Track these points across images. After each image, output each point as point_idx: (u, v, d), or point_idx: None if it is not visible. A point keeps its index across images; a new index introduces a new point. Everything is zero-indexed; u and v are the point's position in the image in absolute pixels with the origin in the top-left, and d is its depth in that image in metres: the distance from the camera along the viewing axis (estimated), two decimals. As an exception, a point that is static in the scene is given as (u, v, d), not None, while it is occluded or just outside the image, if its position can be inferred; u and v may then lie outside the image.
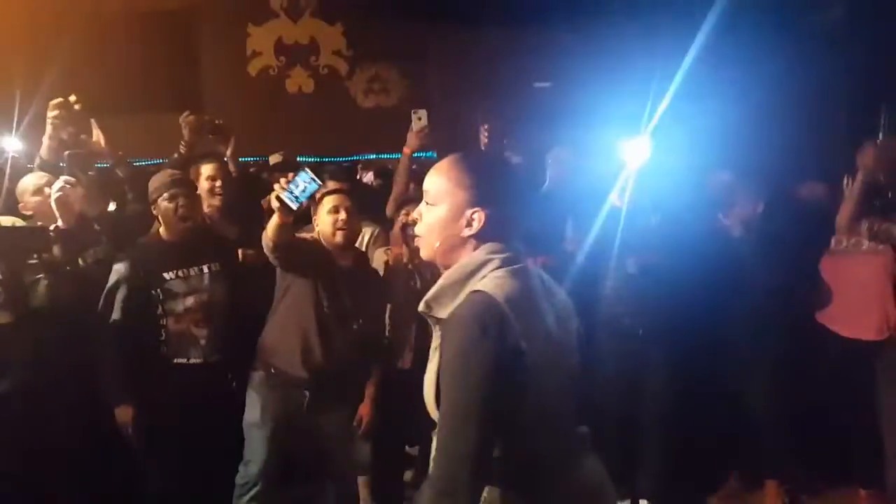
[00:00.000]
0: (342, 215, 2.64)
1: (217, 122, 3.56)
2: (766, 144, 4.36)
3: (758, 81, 5.12)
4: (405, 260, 2.97)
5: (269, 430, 2.61)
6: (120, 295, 2.66)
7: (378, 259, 3.04)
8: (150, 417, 2.67)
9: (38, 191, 2.86)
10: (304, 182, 2.34)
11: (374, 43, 6.35)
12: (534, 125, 3.98)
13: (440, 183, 1.47)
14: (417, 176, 3.16)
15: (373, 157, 6.28)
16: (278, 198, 2.34)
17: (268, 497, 2.66)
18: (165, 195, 2.71)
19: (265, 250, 2.51)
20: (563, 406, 1.46)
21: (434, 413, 1.39)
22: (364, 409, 2.77)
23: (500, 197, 1.45)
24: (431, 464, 1.32)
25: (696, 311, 2.88)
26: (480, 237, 1.43)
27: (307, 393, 2.61)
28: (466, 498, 1.28)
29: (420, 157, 3.45)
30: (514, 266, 1.41)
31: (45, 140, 2.78)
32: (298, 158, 5.07)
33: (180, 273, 2.70)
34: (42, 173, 2.89)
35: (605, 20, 5.57)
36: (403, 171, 3.29)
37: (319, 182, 2.39)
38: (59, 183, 2.46)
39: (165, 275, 2.68)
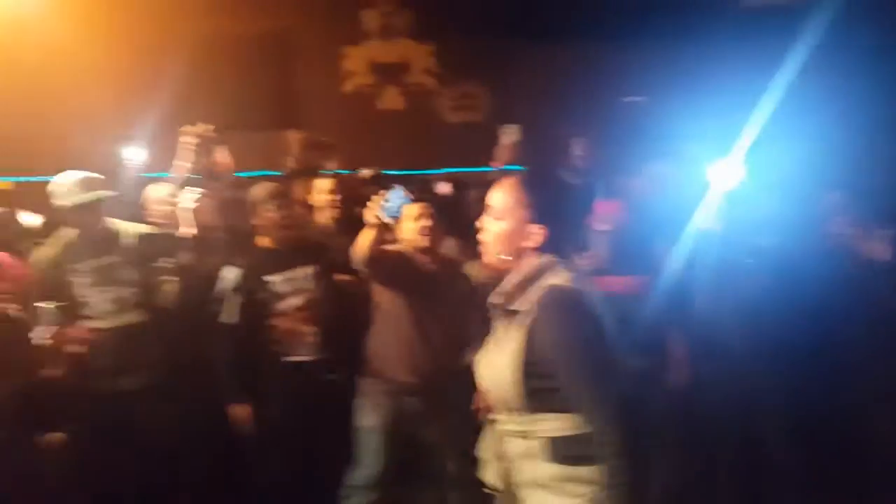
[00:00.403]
0: (425, 221, 2.82)
1: (323, 139, 3.81)
2: (880, 161, 4.16)
3: (869, 92, 4.90)
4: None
5: (378, 435, 2.73)
6: (231, 299, 2.90)
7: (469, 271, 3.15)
8: (263, 413, 2.87)
9: (163, 201, 3.15)
10: (398, 198, 2.52)
11: (463, 61, 6.50)
12: (625, 140, 3.98)
13: (504, 200, 1.67)
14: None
15: (459, 170, 6.38)
16: (375, 214, 2.52)
17: (376, 499, 2.79)
18: (270, 206, 2.94)
19: (358, 263, 2.68)
20: None
21: (505, 396, 1.59)
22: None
23: (555, 214, 1.64)
24: (595, 433, 1.49)
25: (810, 342, 2.75)
26: (538, 249, 1.63)
27: (414, 398, 2.72)
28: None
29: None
30: (574, 273, 1.62)
31: (178, 161, 3.04)
32: (387, 172, 5.25)
33: (284, 275, 2.92)
34: (166, 184, 3.18)
35: (699, 32, 5.51)
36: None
37: (411, 197, 2.55)
38: (189, 195, 2.69)
39: (270, 277, 2.91)
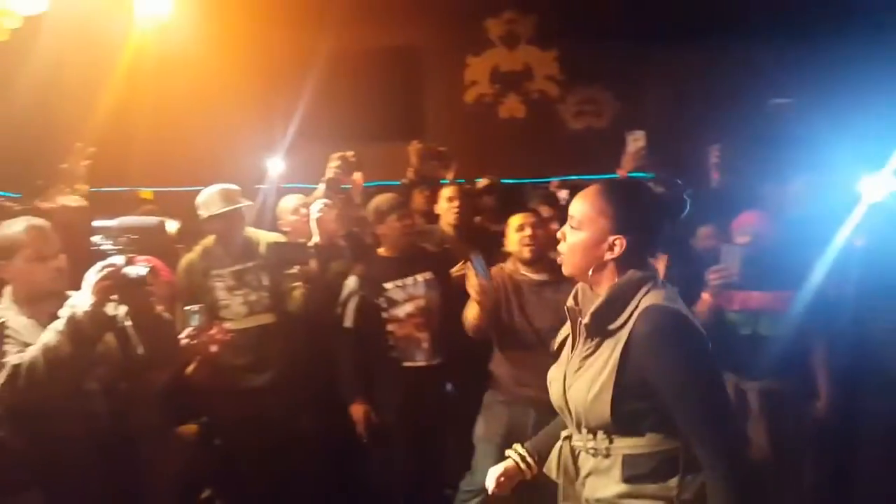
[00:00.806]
0: (527, 232, 2.82)
1: (441, 149, 3.88)
2: None
3: None
4: None
5: (495, 445, 2.74)
6: (351, 305, 3.02)
7: None
8: (379, 415, 2.96)
9: (296, 211, 3.34)
10: (480, 265, 2.58)
11: (587, 66, 6.38)
12: (769, 147, 3.72)
13: (584, 210, 1.61)
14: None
15: (582, 177, 6.27)
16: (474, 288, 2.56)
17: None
18: (394, 216, 3.03)
19: (468, 331, 2.72)
20: None
21: (591, 416, 1.55)
22: None
23: (638, 225, 1.57)
24: (714, 466, 1.45)
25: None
26: (620, 261, 1.57)
27: (533, 412, 2.70)
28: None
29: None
30: (667, 288, 1.56)
31: (323, 181, 3.24)
32: (508, 181, 5.23)
33: (398, 283, 3.01)
34: (299, 195, 3.37)
35: (849, 30, 5.07)
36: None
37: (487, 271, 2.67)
38: (318, 205, 2.83)
39: (386, 285, 3.00)
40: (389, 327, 3.00)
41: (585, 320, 1.58)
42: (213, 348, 2.65)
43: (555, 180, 6.28)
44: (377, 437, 3.00)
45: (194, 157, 5.71)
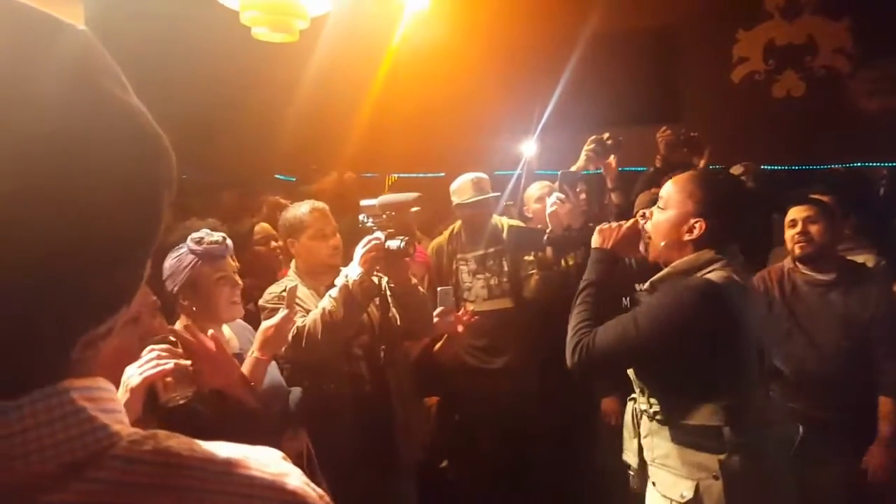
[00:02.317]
0: (798, 228, 2.64)
1: (693, 134, 3.63)
2: None
3: None
4: None
5: None
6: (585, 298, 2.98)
7: None
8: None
9: (540, 199, 3.38)
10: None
11: (886, 37, 5.44)
12: None
13: (673, 191, 1.72)
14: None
15: (874, 165, 5.48)
16: None
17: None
18: (640, 211, 2.91)
19: None
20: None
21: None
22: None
23: (720, 211, 1.65)
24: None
25: None
26: (698, 243, 1.65)
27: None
28: None
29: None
30: (734, 273, 1.60)
31: (577, 165, 3.23)
32: (776, 167, 4.73)
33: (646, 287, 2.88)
34: (545, 183, 3.40)
35: None
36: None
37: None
38: (552, 198, 2.85)
39: (638, 286, 2.88)
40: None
41: (645, 286, 1.75)
42: (460, 328, 2.82)
43: (838, 167, 5.56)
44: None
45: (443, 144, 6.06)
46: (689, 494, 1.61)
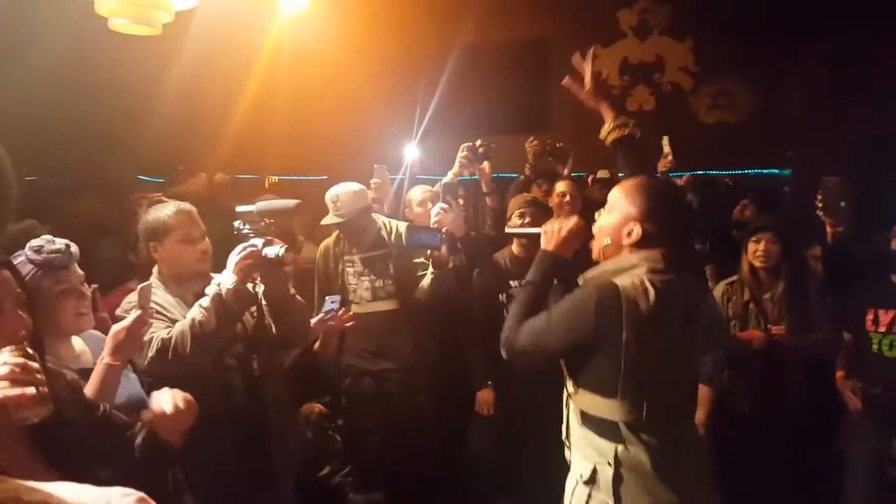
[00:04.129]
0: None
1: (557, 144, 3.90)
2: None
3: None
4: None
5: None
6: (478, 298, 3.13)
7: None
8: (505, 400, 3.11)
9: (422, 203, 3.46)
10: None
11: (722, 58, 6.07)
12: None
13: (618, 195, 1.82)
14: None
15: (711, 172, 6.00)
16: None
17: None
18: (520, 213, 3.08)
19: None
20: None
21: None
22: None
23: (655, 216, 1.73)
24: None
25: None
26: (637, 246, 1.75)
27: None
28: None
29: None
30: (660, 276, 1.68)
31: (453, 171, 3.36)
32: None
33: (521, 282, 3.03)
34: (426, 188, 3.49)
35: None
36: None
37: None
38: (436, 208, 2.95)
39: (512, 283, 3.05)
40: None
41: (580, 280, 1.83)
42: (338, 330, 2.83)
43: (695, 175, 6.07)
44: (501, 422, 3.15)
45: (324, 147, 6.02)
46: (587, 475, 1.72)
